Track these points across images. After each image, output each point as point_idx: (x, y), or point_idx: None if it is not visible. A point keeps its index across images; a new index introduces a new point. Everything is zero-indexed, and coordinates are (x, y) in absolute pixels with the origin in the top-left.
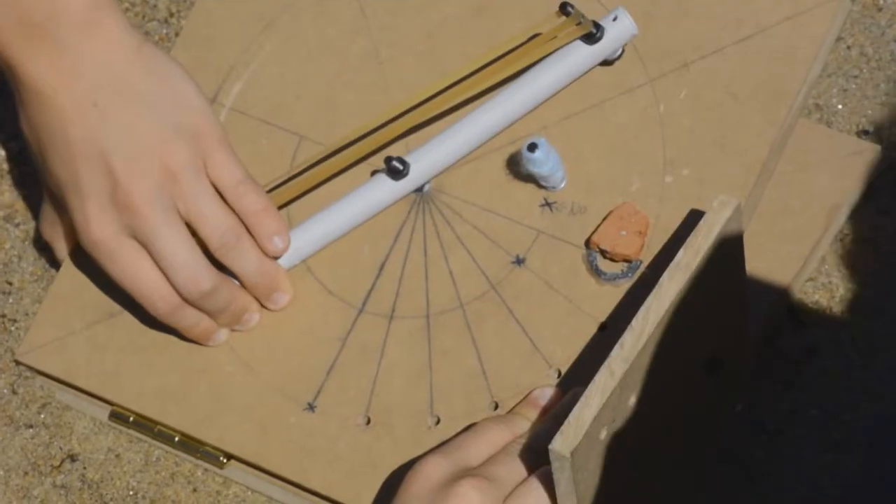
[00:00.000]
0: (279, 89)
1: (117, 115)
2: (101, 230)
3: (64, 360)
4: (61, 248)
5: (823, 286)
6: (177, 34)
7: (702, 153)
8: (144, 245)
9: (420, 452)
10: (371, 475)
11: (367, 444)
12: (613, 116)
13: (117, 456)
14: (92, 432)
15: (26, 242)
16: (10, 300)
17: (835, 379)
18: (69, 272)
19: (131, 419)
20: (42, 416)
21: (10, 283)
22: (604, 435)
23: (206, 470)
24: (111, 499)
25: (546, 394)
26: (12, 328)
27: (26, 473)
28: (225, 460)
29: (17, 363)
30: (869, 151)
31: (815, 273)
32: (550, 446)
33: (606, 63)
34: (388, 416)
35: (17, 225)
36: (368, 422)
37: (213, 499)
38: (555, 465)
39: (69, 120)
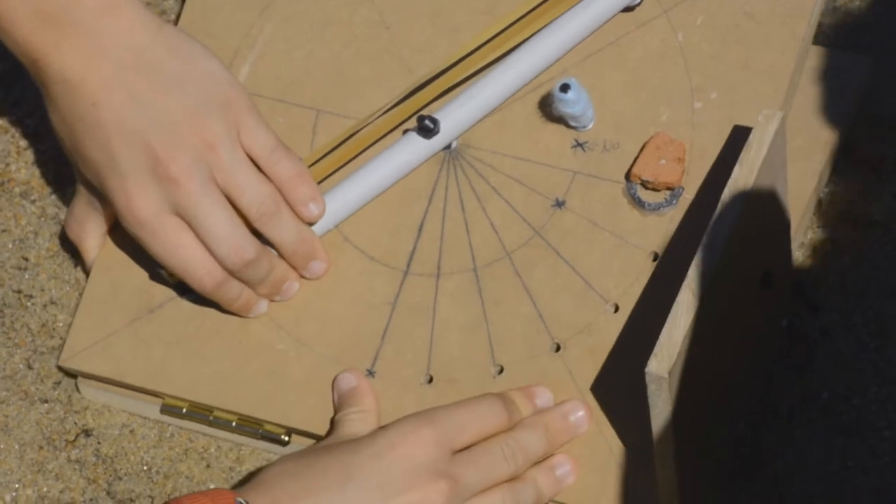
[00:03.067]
0: (288, 67)
1: (147, 93)
2: (144, 207)
3: (110, 359)
4: (90, 248)
5: (836, 270)
6: None
7: (727, 76)
8: (186, 219)
9: None
10: None
11: (433, 401)
12: (632, 51)
13: (131, 431)
14: (106, 408)
15: (42, 219)
16: (26, 276)
17: (847, 363)
18: (101, 273)
19: (184, 410)
20: (57, 391)
21: (27, 259)
22: (690, 354)
23: (219, 446)
24: (125, 474)
25: (544, 394)
26: (28, 304)
27: (41, 448)
28: (287, 438)
29: (60, 369)
30: (860, 62)
31: (828, 257)
32: (647, 370)
33: (628, 10)
34: (450, 372)
35: (34, 201)
36: (431, 380)
37: (227, 475)
38: (651, 388)
39: (100, 103)
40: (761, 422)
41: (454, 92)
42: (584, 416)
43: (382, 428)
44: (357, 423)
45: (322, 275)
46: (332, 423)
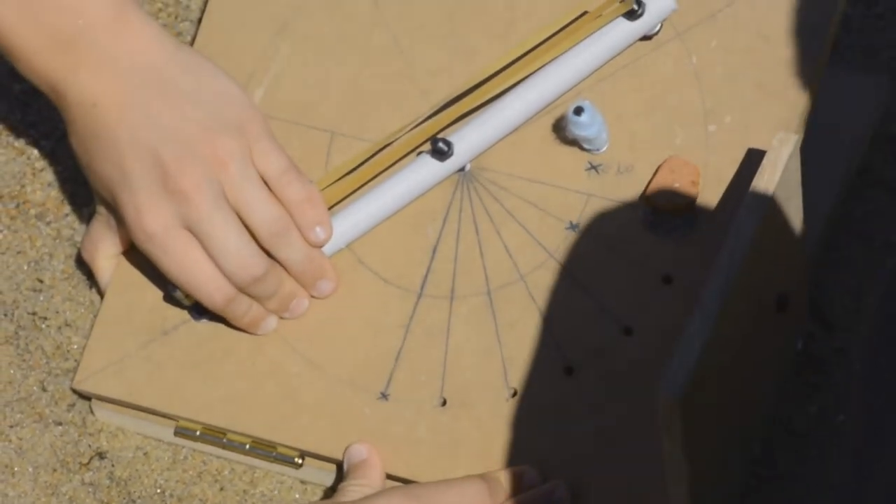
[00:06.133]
0: (303, 89)
1: (163, 111)
2: (154, 221)
3: (124, 381)
4: (102, 268)
5: (852, 291)
6: None
7: (742, 98)
8: (196, 234)
9: (501, 425)
10: (455, 455)
11: (446, 424)
12: (647, 74)
13: (145, 454)
14: (120, 430)
15: (57, 241)
16: (41, 298)
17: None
18: (115, 296)
19: (198, 433)
20: (71, 413)
21: (41, 281)
22: (703, 377)
23: (232, 469)
24: (139, 497)
25: (529, 474)
26: (42, 326)
27: (55, 470)
28: (300, 461)
29: (74, 392)
30: (876, 83)
31: (844, 278)
32: (659, 394)
33: (646, 38)
34: (463, 395)
35: (49, 223)
36: (444, 403)
37: (241, 498)
38: (663, 412)
39: (116, 121)
40: (776, 443)
41: (469, 115)
42: (566, 497)
43: (367, 498)
44: (356, 494)
45: (330, 294)
46: (336, 490)
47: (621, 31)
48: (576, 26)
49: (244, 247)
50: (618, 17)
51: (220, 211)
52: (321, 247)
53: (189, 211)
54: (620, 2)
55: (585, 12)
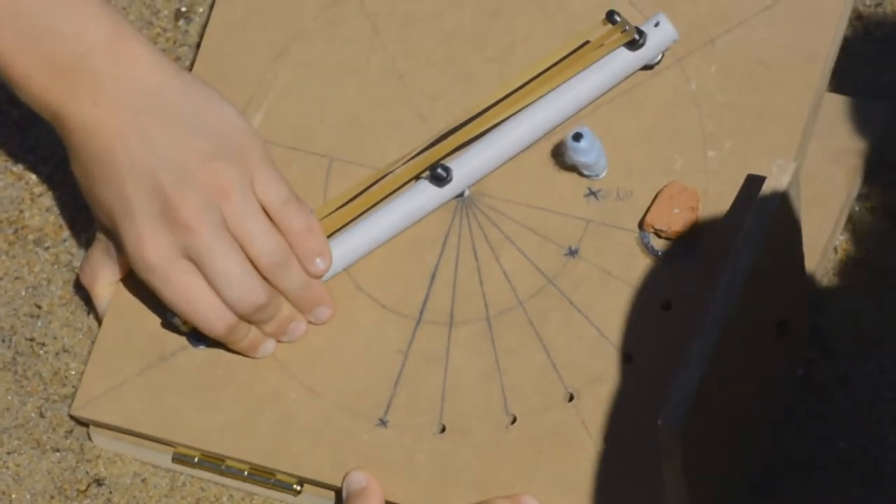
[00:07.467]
0: (301, 114)
1: (162, 137)
2: (155, 250)
3: (121, 408)
4: (101, 295)
5: (853, 317)
6: None
7: (741, 124)
8: (197, 262)
9: (500, 452)
10: (455, 481)
11: (445, 451)
12: (646, 100)
13: (143, 480)
14: (118, 457)
15: (55, 266)
16: (39, 324)
17: (864, 411)
18: (113, 321)
19: (196, 459)
20: (69, 440)
21: (39, 307)
22: (703, 404)
23: (231, 496)
24: None
25: (530, 502)
26: (41, 352)
27: (52, 497)
28: (299, 488)
29: (72, 418)
30: (876, 109)
31: (845, 304)
32: (660, 421)
33: (647, 68)
34: (463, 422)
35: (47, 248)
36: (443, 429)
37: None
38: (664, 440)
39: (116, 147)
40: (778, 470)
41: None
42: None
43: None
44: None
45: (327, 320)
46: None
47: (622, 61)
48: (577, 56)
49: (246, 276)
50: (619, 47)
51: (221, 241)
52: (320, 277)
53: (190, 241)
54: (622, 32)
55: (587, 42)
